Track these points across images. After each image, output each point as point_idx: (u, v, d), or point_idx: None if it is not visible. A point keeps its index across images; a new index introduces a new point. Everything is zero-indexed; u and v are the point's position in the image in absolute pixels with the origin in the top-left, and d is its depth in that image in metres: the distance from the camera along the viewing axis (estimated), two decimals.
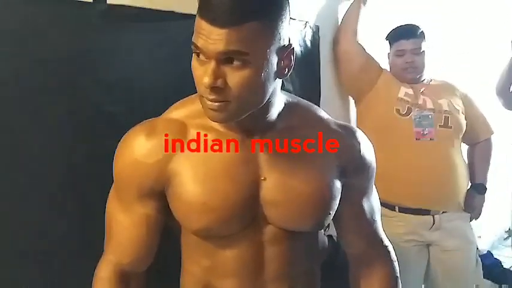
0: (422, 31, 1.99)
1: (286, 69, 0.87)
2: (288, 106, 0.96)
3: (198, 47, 0.80)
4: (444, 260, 1.94)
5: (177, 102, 0.99)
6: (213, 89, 0.81)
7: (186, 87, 0.92)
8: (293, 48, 0.87)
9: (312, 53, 1.82)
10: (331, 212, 0.97)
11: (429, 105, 1.94)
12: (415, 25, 2.01)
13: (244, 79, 0.81)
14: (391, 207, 1.89)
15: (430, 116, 1.92)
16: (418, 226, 1.91)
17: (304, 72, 1.74)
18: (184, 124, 0.94)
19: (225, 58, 0.80)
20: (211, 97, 0.82)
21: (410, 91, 1.97)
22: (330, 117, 1.02)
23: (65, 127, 1.15)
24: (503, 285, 2.57)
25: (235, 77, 0.81)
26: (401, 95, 1.96)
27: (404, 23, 2.03)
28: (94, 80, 1.18)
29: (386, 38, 2.05)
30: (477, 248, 2.05)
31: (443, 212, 1.91)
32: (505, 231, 3.38)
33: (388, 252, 1.09)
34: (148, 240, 0.97)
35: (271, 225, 0.95)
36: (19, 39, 1.09)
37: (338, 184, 0.97)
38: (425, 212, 1.90)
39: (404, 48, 1.97)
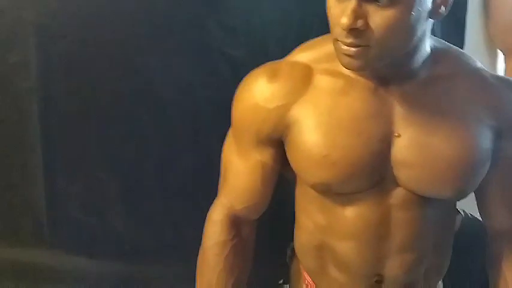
0: None
1: (443, 8, 0.75)
2: (435, 53, 0.84)
3: None
4: None
5: (304, 43, 0.90)
6: (352, 31, 0.71)
7: (313, 32, 0.85)
8: None
9: None
10: (477, 179, 0.85)
11: None
12: None
13: (391, 20, 0.70)
14: None
15: None
16: None
17: (447, 19, 1.54)
18: (310, 68, 0.85)
19: None
20: (349, 41, 0.72)
21: None
22: (486, 69, 0.88)
23: (187, 70, 1.14)
24: None
25: (379, 17, 0.70)
26: None
27: None
28: (217, 23, 1.14)
29: None
30: None
31: None
32: None
33: None
34: (262, 188, 0.92)
35: (401, 187, 0.85)
36: None
37: (489, 147, 0.84)
38: None
39: None
